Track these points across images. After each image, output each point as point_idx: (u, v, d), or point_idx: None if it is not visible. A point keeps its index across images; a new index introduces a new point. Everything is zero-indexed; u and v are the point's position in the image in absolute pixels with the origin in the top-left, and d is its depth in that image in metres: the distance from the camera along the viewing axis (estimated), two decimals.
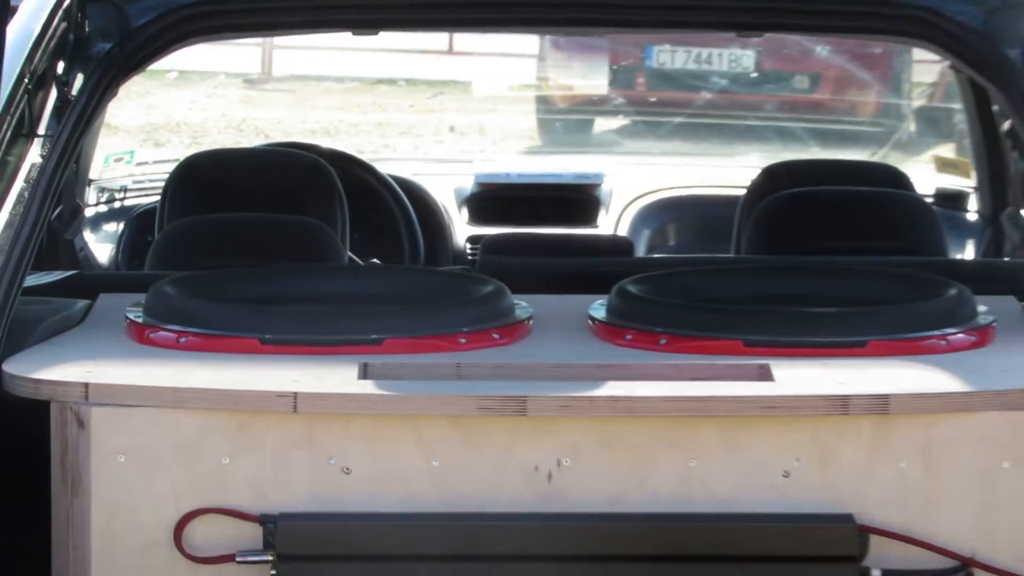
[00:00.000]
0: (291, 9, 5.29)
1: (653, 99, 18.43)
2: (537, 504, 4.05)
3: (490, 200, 6.91)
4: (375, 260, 5.72)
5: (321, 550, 4.03)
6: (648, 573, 4.08)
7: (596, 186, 7.14)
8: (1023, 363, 4.27)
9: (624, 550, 4.06)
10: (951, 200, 6.84)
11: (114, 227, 6.24)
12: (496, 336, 4.37)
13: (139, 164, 7.30)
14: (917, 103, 15.89)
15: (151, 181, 6.32)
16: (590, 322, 4.49)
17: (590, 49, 18.55)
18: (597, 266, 5.32)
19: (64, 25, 4.94)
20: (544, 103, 19.41)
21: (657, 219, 6.93)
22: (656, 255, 6.40)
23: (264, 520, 4.03)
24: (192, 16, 5.08)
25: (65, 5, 4.97)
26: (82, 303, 4.61)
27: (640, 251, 6.65)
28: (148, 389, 4.09)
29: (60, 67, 4.87)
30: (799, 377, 4.15)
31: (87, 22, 4.95)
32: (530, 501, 4.05)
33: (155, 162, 7.02)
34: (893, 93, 16.82)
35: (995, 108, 6.07)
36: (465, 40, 22.54)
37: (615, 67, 18.77)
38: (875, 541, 4.05)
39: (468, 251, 6.38)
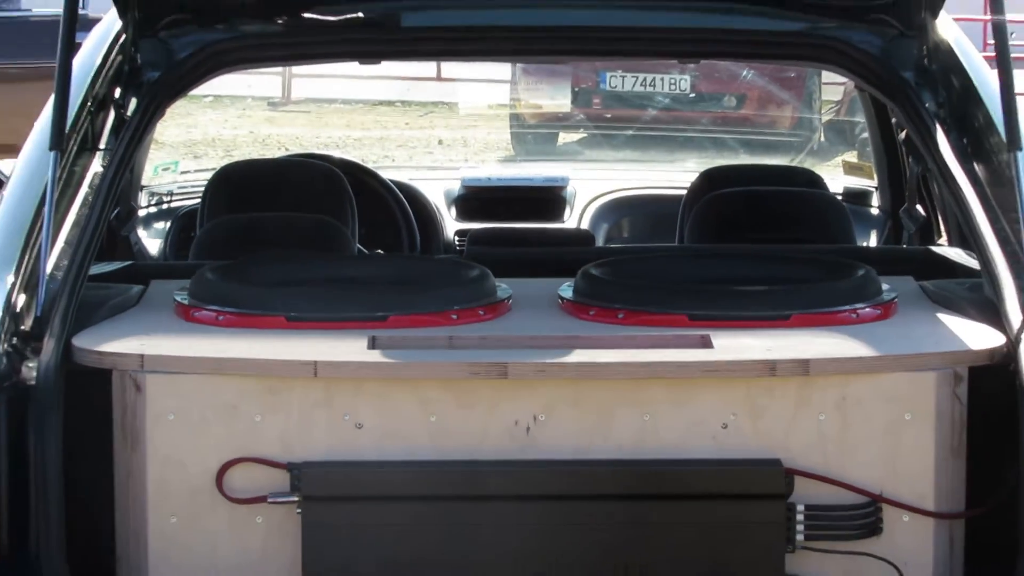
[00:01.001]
0: (305, 43, 5.29)
1: (608, 115, 18.44)
2: (517, 453, 4.06)
3: (474, 200, 6.90)
4: (379, 250, 5.72)
5: (339, 492, 4.04)
6: (611, 511, 4.08)
7: (562, 188, 7.14)
8: (920, 332, 4.28)
9: (590, 491, 4.08)
10: (857, 198, 6.85)
11: (162, 225, 6.23)
12: (482, 313, 4.38)
13: (182, 173, 7.30)
14: (826, 117, 15.87)
15: (192, 187, 6.32)
16: (559, 300, 4.50)
17: (554, 74, 18.54)
18: (564, 254, 5.32)
19: (120, 58, 4.94)
20: (517, 120, 19.39)
21: (613, 215, 6.93)
22: (613, 245, 6.39)
23: (291, 468, 4.04)
24: (224, 50, 5.08)
25: (121, 41, 4.98)
26: (137, 288, 4.61)
27: (599, 242, 6.65)
28: (193, 359, 4.12)
29: (117, 92, 4.87)
30: (734, 345, 4.16)
31: (139, 55, 4.95)
32: (511, 450, 4.07)
33: (195, 171, 7.03)
34: (806, 109, 16.81)
35: (893, 120, 6.08)
36: (450, 68, 22.51)
37: (576, 89, 18.77)
38: (799, 482, 4.06)
39: (456, 242, 6.38)
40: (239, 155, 5.76)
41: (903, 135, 5.81)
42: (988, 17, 4.68)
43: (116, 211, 5.14)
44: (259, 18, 5.13)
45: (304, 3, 5.11)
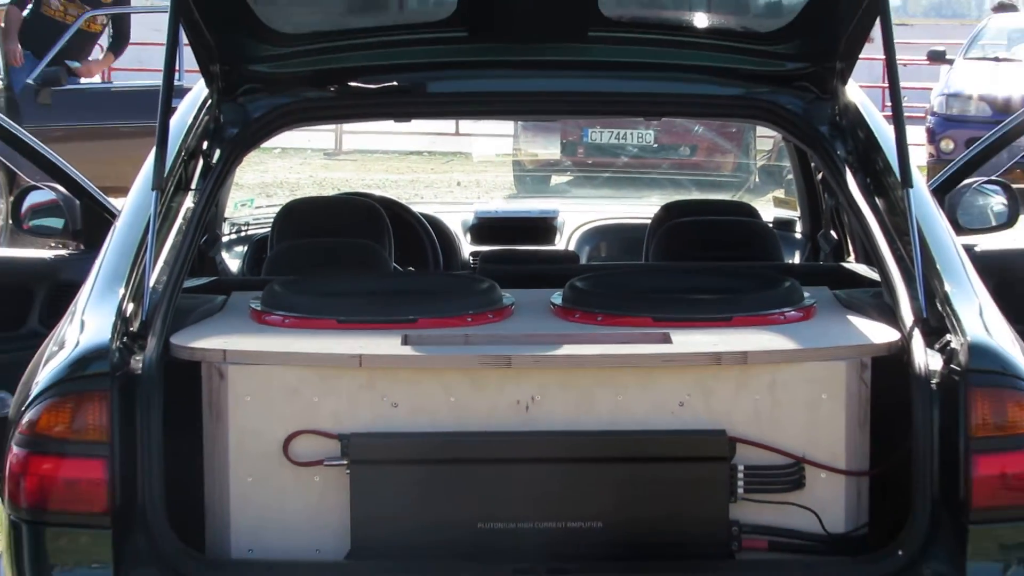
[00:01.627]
0: (351, 106, 5.28)
1: (589, 162, 18.44)
2: (519, 425, 4.05)
3: (484, 228, 6.91)
4: (410, 268, 5.71)
5: (379, 457, 4.04)
6: (593, 470, 4.08)
7: (553, 218, 7.16)
8: (834, 330, 4.28)
9: (576, 455, 4.07)
10: (784, 225, 6.84)
11: (241, 249, 6.24)
12: (491, 316, 4.37)
13: (256, 207, 7.31)
14: (760, 162, 15.86)
15: (264, 219, 6.30)
16: (551, 306, 4.48)
17: (547, 130, 18.54)
18: (555, 270, 5.31)
19: (207, 118, 4.93)
20: (518, 165, 19.41)
21: (593, 240, 6.93)
22: (593, 263, 6.37)
23: (341, 438, 4.02)
24: (288, 112, 5.07)
25: (208, 104, 4.97)
26: (221, 298, 4.60)
27: (582, 260, 6.65)
28: (265, 353, 4.11)
29: (204, 145, 4.87)
30: (688, 341, 4.14)
31: (221, 116, 4.95)
32: (514, 423, 4.05)
33: (267, 206, 7.01)
34: (744, 156, 16.81)
35: (812, 165, 6.06)
36: (466, 125, 22.52)
37: (564, 141, 18.77)
38: (740, 448, 4.05)
39: (471, 261, 6.37)
40: (300, 194, 5.73)
41: (820, 176, 5.81)
42: (885, 85, 4.63)
43: (204, 237, 5.13)
44: (315, 87, 5.12)
45: (349, 74, 5.10)
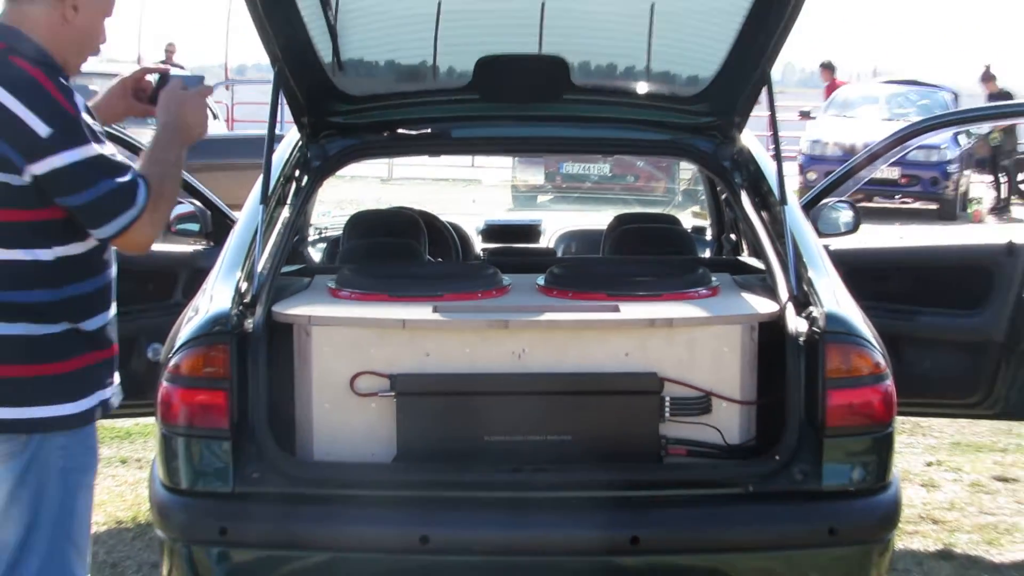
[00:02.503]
0: (399, 147, 5.28)
1: (564, 186, 18.48)
2: (514, 369, 4.03)
3: (491, 231, 6.88)
4: (439, 259, 5.69)
5: (416, 390, 4.01)
6: (565, 400, 4.06)
7: (539, 225, 7.13)
8: (733, 303, 4.25)
9: (554, 389, 4.05)
10: (699, 231, 6.80)
11: (322, 245, 6.22)
12: (495, 292, 4.34)
13: (333, 216, 7.31)
14: (682, 187, 15.84)
15: (338, 224, 6.28)
16: (537, 286, 4.46)
17: (535, 163, 18.63)
18: (539, 261, 5.29)
19: (298, 154, 4.92)
20: (515, 188, 19.44)
21: (566, 240, 6.91)
22: (566, 257, 6.35)
23: (390, 377, 4.00)
24: (355, 150, 5.05)
25: (298, 144, 4.95)
26: (307, 279, 4.59)
27: (559, 255, 6.63)
28: (337, 318, 4.08)
29: (296, 172, 4.85)
30: (632, 310, 4.13)
31: (308, 152, 4.93)
32: (511, 367, 4.03)
33: (339, 215, 6.99)
34: (671, 182, 16.79)
35: (718, 188, 6.04)
36: (479, 160, 22.54)
37: (546, 171, 18.83)
38: (667, 385, 4.03)
39: (482, 255, 6.34)
40: (363, 208, 5.75)
41: (723, 196, 5.78)
42: (769, 133, 4.61)
43: (296, 237, 5.12)
44: (373, 132, 5.11)
45: (397, 124, 5.10)
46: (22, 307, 3.29)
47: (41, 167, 3.21)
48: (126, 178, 3.30)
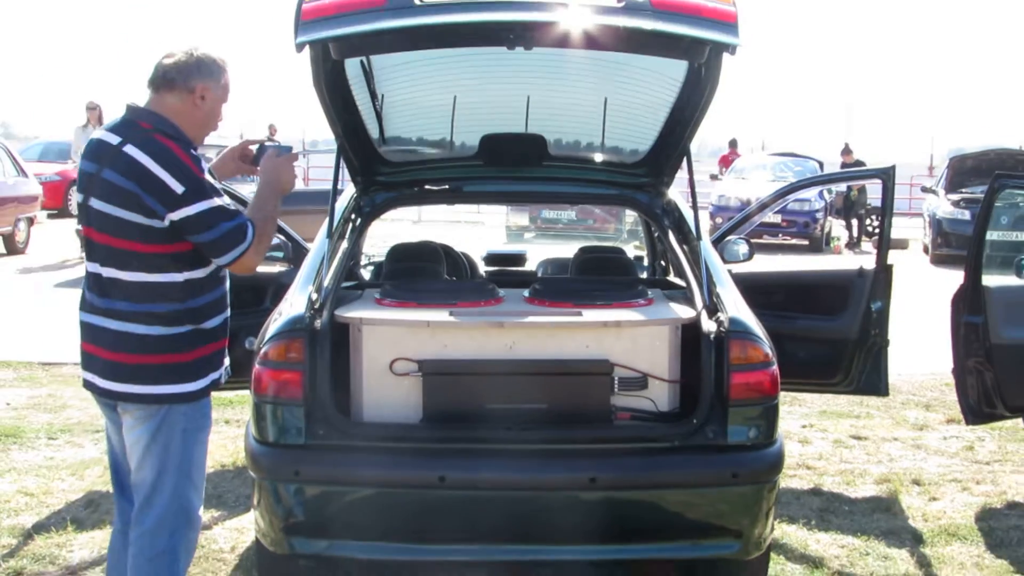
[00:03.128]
0: (426, 197, 5.24)
1: (543, 227, 18.42)
2: (507, 356, 3.99)
3: (491, 258, 6.82)
4: (454, 278, 5.65)
5: (437, 371, 3.97)
6: (543, 379, 4.01)
7: (524, 255, 7.07)
8: (663, 311, 4.21)
9: (536, 371, 4.00)
10: (639, 259, 6.75)
11: (370, 268, 6.14)
12: (493, 302, 4.30)
13: (378, 247, 7.25)
14: (627, 227, 15.83)
15: (382, 253, 6.24)
16: (524, 297, 4.42)
17: (522, 210, 18.56)
18: (525, 279, 5.25)
19: (354, 203, 4.89)
20: (508, 228, 19.31)
21: (544, 265, 6.80)
22: (544, 277, 6.31)
23: (419, 362, 3.96)
24: (395, 200, 5.02)
25: (354, 195, 4.92)
26: (360, 292, 4.55)
27: (539, 275, 6.58)
28: (381, 319, 4.03)
29: (353, 216, 4.82)
30: (591, 315, 4.09)
31: (361, 202, 4.90)
32: (505, 355, 3.99)
33: (383, 246, 6.95)
34: (620, 224, 16.79)
35: (651, 227, 6.00)
36: (482, 208, 22.50)
37: (531, 216, 18.73)
38: (617, 369, 4.00)
39: (484, 275, 6.29)
40: (400, 241, 5.71)
41: (656, 234, 5.74)
42: (688, 190, 4.60)
43: (352, 262, 5.07)
44: (407, 187, 5.06)
45: (425, 182, 5.06)
46: (156, 315, 3.35)
47: (177, 215, 3.27)
48: (238, 221, 3.36)
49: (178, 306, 3.36)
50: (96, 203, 3.31)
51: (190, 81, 3.36)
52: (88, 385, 3.45)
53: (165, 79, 3.37)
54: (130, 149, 3.26)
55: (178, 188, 3.25)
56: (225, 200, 3.37)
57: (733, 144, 23.03)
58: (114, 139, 3.31)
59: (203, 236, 3.31)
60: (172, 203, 3.26)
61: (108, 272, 3.33)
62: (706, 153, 26.76)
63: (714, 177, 21.65)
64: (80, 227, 3.46)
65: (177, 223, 3.28)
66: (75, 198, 3.48)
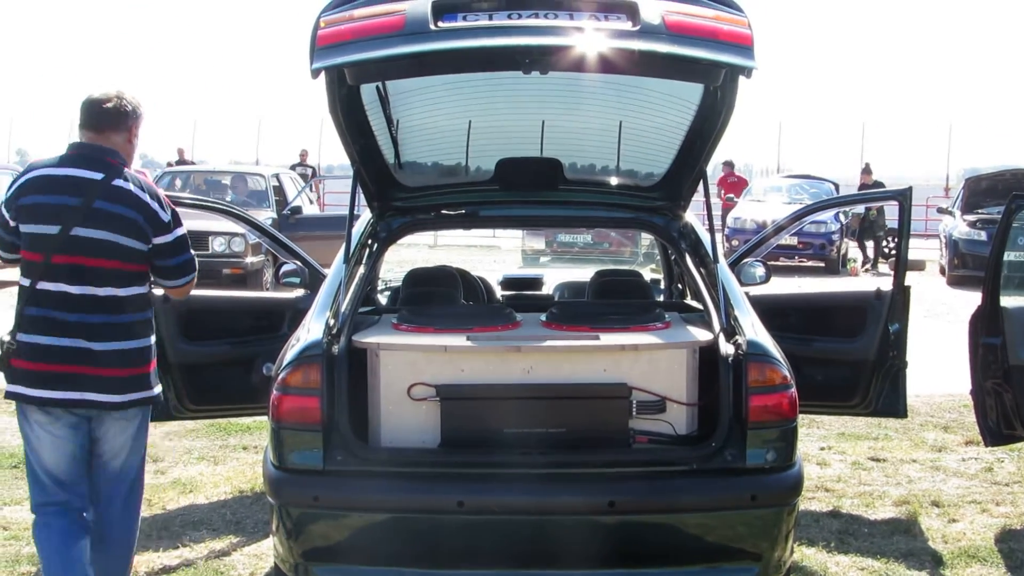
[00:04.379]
0: (442, 222, 5.24)
1: (559, 250, 18.44)
2: (524, 380, 3.98)
3: (508, 282, 6.80)
4: (471, 303, 5.64)
5: (456, 396, 3.96)
6: (561, 403, 4.00)
7: (541, 278, 7.05)
8: (680, 334, 4.19)
9: (553, 395, 3.99)
10: (655, 282, 6.72)
11: (387, 293, 6.15)
12: (511, 326, 4.30)
13: (395, 272, 7.25)
14: (644, 250, 15.83)
15: (399, 278, 6.24)
16: (541, 321, 4.42)
17: (538, 234, 18.57)
18: (542, 303, 5.24)
19: (370, 228, 4.89)
20: (524, 252, 19.34)
21: (561, 289, 6.78)
22: (561, 301, 6.29)
23: (436, 387, 3.96)
24: (411, 225, 5.02)
25: (370, 220, 4.93)
26: (377, 317, 4.55)
27: (556, 299, 6.56)
28: (399, 344, 4.04)
29: (369, 241, 4.82)
30: (609, 339, 4.07)
31: (377, 227, 4.91)
32: (522, 379, 3.99)
33: (400, 271, 6.96)
34: (636, 247, 16.77)
35: (668, 251, 5.99)
36: (498, 232, 22.49)
37: (547, 240, 18.77)
38: (635, 393, 3.99)
39: (501, 299, 6.28)
40: (416, 265, 5.71)
41: (672, 257, 5.72)
42: (705, 212, 4.60)
43: (369, 287, 5.07)
44: (423, 213, 5.06)
45: (441, 207, 5.06)
46: (148, 322, 3.91)
47: (161, 239, 3.82)
48: (193, 255, 3.96)
49: (150, 314, 3.93)
50: (88, 232, 3.70)
51: (128, 122, 3.81)
52: (67, 403, 3.76)
53: (111, 121, 3.78)
54: (119, 183, 3.73)
55: (164, 216, 3.81)
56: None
57: (729, 165, 22.92)
58: (94, 175, 3.71)
59: (172, 260, 3.87)
60: (160, 229, 3.80)
61: (105, 291, 3.74)
62: (718, 174, 26.81)
63: (730, 200, 21.54)
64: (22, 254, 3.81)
65: (158, 246, 3.81)
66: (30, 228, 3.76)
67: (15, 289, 3.96)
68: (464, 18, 3.69)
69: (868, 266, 19.59)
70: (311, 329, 4.05)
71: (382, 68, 3.94)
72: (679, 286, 5.99)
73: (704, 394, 4.07)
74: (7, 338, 3.74)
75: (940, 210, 19.56)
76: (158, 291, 4.78)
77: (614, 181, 5.18)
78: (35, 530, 3.86)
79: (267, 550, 4.87)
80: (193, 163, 21.48)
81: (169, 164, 21.78)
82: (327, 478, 3.79)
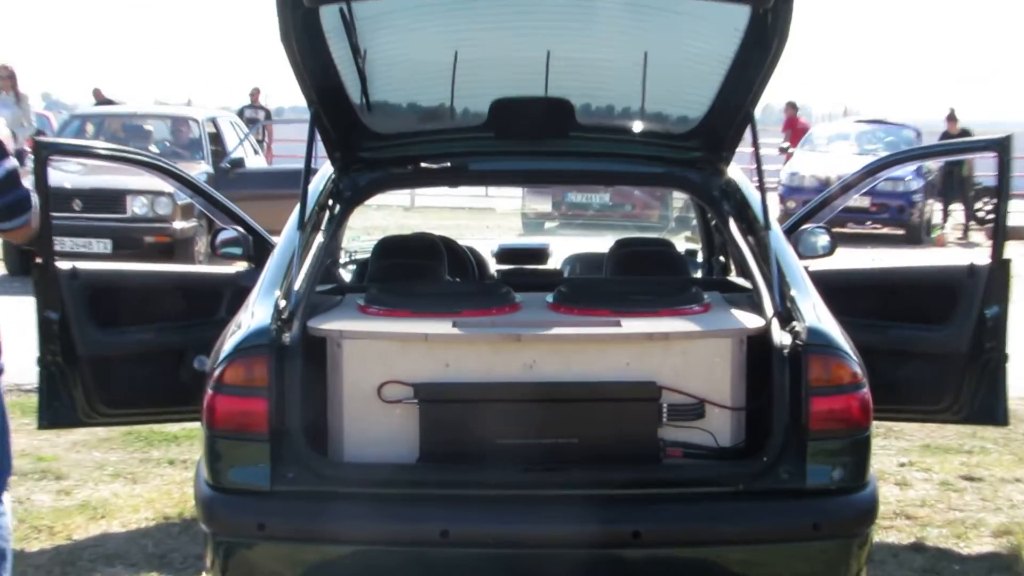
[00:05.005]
0: (421, 178, 5.25)
1: (569, 213, 18.47)
2: (525, 378, 4.00)
3: (504, 254, 6.82)
4: (458, 279, 5.65)
5: (437, 397, 3.98)
6: (571, 406, 4.02)
7: (546, 249, 7.06)
8: (723, 319, 4.22)
9: (561, 396, 4.01)
10: (691, 254, 6.75)
11: (352, 267, 6.18)
12: (508, 309, 4.31)
13: (361, 241, 7.27)
14: (675, 214, 15.85)
15: (367, 248, 6.25)
16: (546, 303, 4.43)
17: (543, 193, 18.61)
18: (548, 281, 5.25)
19: (331, 185, 4.91)
20: (525, 216, 19.41)
21: (571, 263, 6.84)
22: (572, 277, 6.30)
23: (414, 385, 3.97)
24: (382, 181, 5.05)
25: (331, 176, 4.93)
26: (339, 297, 4.56)
27: (565, 275, 6.58)
28: (366, 332, 4.06)
29: (329, 202, 4.83)
30: (632, 325, 4.09)
31: (340, 184, 4.91)
32: (522, 377, 4.00)
33: (368, 240, 6.96)
34: (665, 210, 16.80)
35: (708, 215, 5.99)
36: (492, 191, 22.50)
37: (554, 201, 18.81)
38: (665, 393, 4.00)
39: (496, 275, 6.29)
40: (388, 233, 5.68)
41: (713, 223, 5.73)
42: (753, 166, 4.60)
43: (329, 260, 5.08)
44: (398, 166, 5.08)
45: (419, 159, 5.07)
46: None
47: None
48: (27, 190, 4.11)
49: None
50: None
51: None
52: None
53: None
54: None
55: None
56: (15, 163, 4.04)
57: (793, 107, 22.97)
58: None
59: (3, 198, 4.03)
60: None
61: None
62: (772, 120, 26.68)
63: (785, 150, 21.59)
64: None
65: None
66: None
67: None
68: None
69: (960, 234, 19.63)
70: (256, 313, 4.06)
71: None
72: (721, 259, 5.99)
73: (753, 396, 4.08)
74: None
75: None
76: (64, 265, 4.79)
77: (639, 127, 5.17)
78: None
79: None
80: (113, 103, 21.39)
81: (100, 102, 21.56)
82: (275, 501, 3.80)
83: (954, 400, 5.53)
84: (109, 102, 20.72)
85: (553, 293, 4.49)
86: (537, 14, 4.49)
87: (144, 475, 6.49)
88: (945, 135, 19.72)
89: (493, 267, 6.52)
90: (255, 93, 24.60)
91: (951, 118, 20.47)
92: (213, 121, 15.49)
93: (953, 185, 19.97)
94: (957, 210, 20.43)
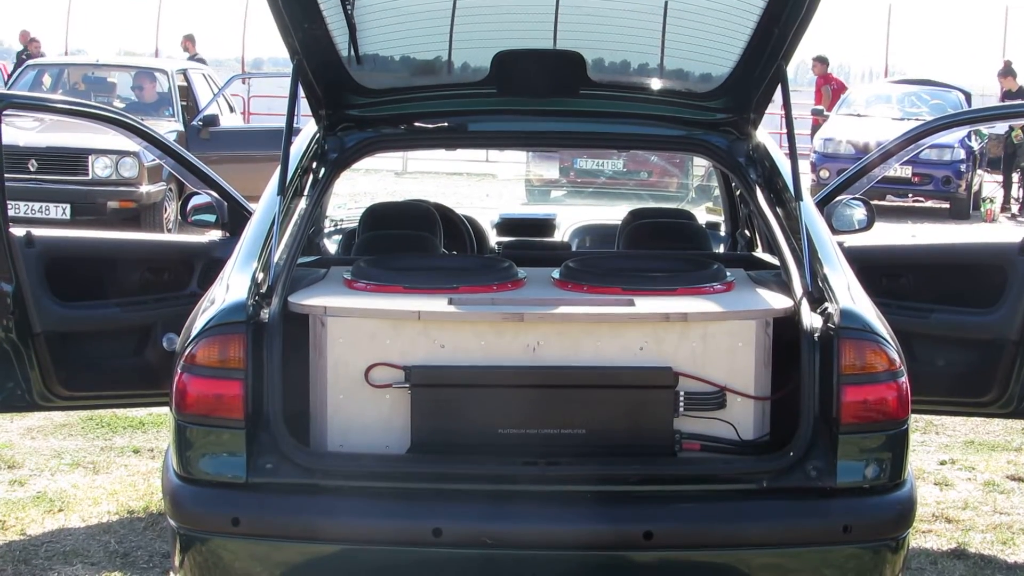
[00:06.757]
0: (415, 140, 5.26)
1: (578, 181, 18.40)
2: (528, 362, 4.02)
3: (505, 225, 6.84)
4: (454, 252, 5.66)
5: (430, 382, 3.99)
6: (578, 393, 4.05)
7: (553, 219, 7.09)
8: (747, 299, 4.24)
9: (567, 382, 4.03)
10: (713, 227, 6.76)
11: (337, 237, 6.19)
12: (510, 286, 4.32)
13: (348, 209, 7.29)
14: (696, 182, 15.82)
15: (353, 217, 6.26)
16: (552, 279, 4.43)
17: (549, 158, 18.52)
18: (554, 255, 5.27)
19: (316, 147, 4.91)
20: (529, 183, 19.36)
21: (580, 234, 6.85)
22: (580, 251, 6.31)
23: (405, 368, 3.99)
24: (371, 143, 5.03)
25: (316, 137, 4.93)
26: (323, 271, 4.57)
27: (573, 249, 6.59)
28: (352, 309, 4.07)
29: (313, 165, 4.84)
30: (646, 304, 4.10)
31: (325, 145, 4.92)
32: (525, 360, 4.02)
33: (355, 208, 6.97)
34: (685, 178, 16.74)
35: (732, 184, 6.00)
36: (493, 154, 22.49)
37: (561, 166, 18.70)
38: (682, 380, 4.02)
39: (497, 248, 6.30)
40: (378, 200, 5.70)
41: (738, 192, 5.74)
42: (783, 131, 4.59)
43: (313, 229, 5.10)
44: (390, 126, 5.08)
45: (414, 117, 5.08)
46: None
47: None
48: None
49: None
50: None
51: None
52: None
53: None
54: None
55: None
56: None
57: (822, 61, 22.56)
58: None
59: None
60: None
61: None
62: (806, 80, 26.58)
63: (818, 114, 21.46)
64: None
65: None
66: None
67: None
68: None
69: (1015, 209, 19.59)
70: (231, 287, 4.07)
71: None
72: (746, 233, 6.00)
73: (780, 384, 4.10)
74: None
75: None
76: (18, 231, 4.80)
77: (657, 84, 5.17)
78: None
79: None
80: (45, 54, 21.23)
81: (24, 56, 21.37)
82: (252, 494, 3.82)
83: (1002, 392, 5.54)
84: (36, 55, 20.48)
85: (559, 268, 4.50)
86: None
87: (106, 465, 6.52)
88: (1005, 95, 19.44)
89: (493, 239, 6.53)
90: (187, 40, 21.95)
91: (1006, 72, 19.99)
92: (184, 73, 15.48)
93: (1009, 154, 19.72)
94: (1012, 182, 20.31)
